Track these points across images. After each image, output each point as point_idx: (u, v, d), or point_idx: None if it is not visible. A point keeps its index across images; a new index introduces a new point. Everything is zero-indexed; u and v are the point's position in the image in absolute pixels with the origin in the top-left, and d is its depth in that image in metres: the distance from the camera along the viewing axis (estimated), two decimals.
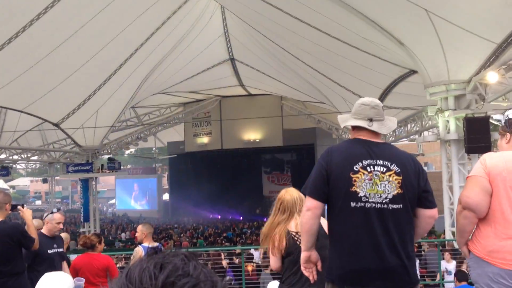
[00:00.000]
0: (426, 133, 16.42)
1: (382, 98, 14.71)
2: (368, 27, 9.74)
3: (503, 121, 3.07)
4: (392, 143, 19.36)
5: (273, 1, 11.36)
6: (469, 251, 2.81)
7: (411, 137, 19.05)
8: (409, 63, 10.87)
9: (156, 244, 5.98)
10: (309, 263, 2.78)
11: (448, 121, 9.91)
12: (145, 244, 5.82)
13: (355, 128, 2.78)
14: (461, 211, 2.74)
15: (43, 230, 5.23)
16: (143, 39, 15.80)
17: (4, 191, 4.87)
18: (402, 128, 17.83)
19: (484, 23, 8.07)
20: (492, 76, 8.37)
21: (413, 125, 17.02)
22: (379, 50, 11.46)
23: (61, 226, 5.31)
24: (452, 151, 9.96)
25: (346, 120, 2.83)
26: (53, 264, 4.95)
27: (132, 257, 5.92)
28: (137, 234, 6.32)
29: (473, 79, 8.98)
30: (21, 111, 17.17)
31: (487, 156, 2.78)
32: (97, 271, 5.34)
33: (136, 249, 5.84)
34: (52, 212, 5.33)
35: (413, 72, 12.21)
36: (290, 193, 3.46)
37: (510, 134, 2.86)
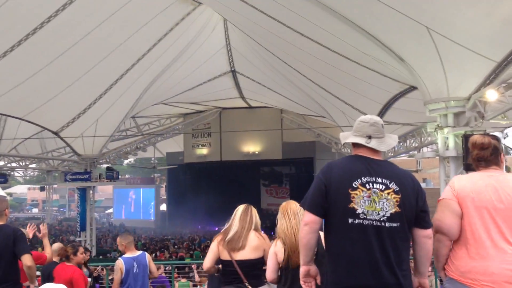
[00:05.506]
0: (425, 149, 16.43)
1: (382, 113, 14.73)
2: (369, 42, 9.80)
3: None
4: (391, 159, 19.42)
5: (275, 15, 11.45)
6: (445, 274, 2.84)
7: (410, 153, 19.06)
8: (409, 79, 10.91)
9: (138, 252, 5.90)
10: (308, 277, 2.79)
11: (447, 138, 9.90)
12: (127, 255, 5.81)
13: (355, 145, 2.80)
14: (434, 235, 2.77)
15: None
16: (145, 49, 15.89)
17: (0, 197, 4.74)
18: (401, 144, 17.85)
19: (485, 41, 8.13)
20: (491, 94, 8.40)
21: (412, 141, 17.05)
22: (379, 66, 11.52)
23: None
24: (450, 168, 9.95)
25: (347, 137, 2.86)
26: None
27: (115, 270, 5.88)
28: (119, 248, 6.32)
29: (472, 96, 9.01)
30: (21, 119, 17.19)
31: (456, 179, 2.82)
32: (64, 283, 5.30)
33: (117, 262, 5.80)
34: None
35: (413, 88, 12.24)
36: (294, 204, 3.68)
37: None
